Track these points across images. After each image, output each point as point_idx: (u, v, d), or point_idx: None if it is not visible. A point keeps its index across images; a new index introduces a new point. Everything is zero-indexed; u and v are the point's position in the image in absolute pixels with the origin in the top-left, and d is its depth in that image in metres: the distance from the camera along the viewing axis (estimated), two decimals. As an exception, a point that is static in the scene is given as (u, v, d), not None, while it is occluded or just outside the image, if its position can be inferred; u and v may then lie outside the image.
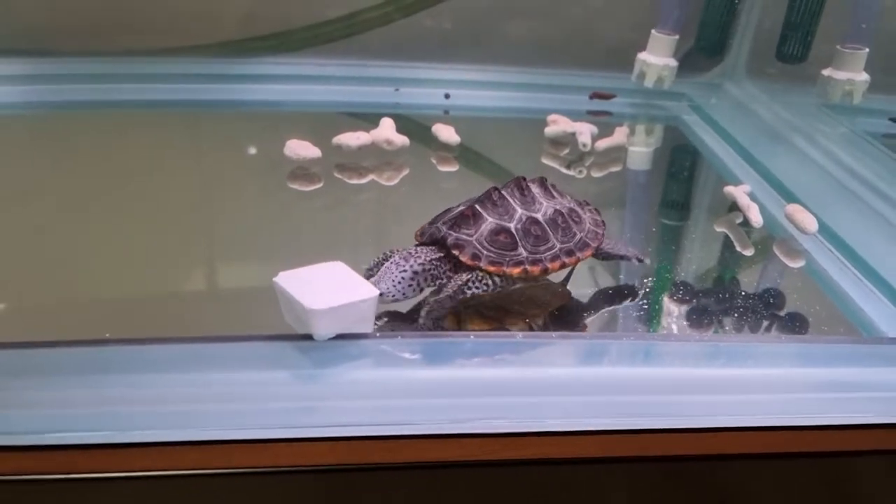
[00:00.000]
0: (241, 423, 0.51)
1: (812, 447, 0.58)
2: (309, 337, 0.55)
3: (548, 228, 0.64)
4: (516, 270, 0.62)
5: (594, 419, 0.54)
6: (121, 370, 0.54)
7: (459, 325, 0.64)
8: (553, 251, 0.64)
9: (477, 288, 0.62)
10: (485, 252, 0.61)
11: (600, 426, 0.54)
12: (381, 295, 0.58)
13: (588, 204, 0.72)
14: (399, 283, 0.60)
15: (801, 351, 0.64)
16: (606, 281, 0.74)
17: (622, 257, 0.72)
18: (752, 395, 0.59)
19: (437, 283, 0.62)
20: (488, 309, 0.65)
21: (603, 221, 0.70)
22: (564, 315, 0.67)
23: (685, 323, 0.68)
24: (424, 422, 0.53)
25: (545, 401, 0.56)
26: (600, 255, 0.70)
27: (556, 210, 0.66)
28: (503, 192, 0.64)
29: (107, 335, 0.57)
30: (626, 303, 0.71)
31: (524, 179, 0.66)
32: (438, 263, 0.62)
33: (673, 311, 0.70)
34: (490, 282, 0.63)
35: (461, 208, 0.64)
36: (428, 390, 0.55)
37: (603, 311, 0.69)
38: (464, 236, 0.62)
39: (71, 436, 0.49)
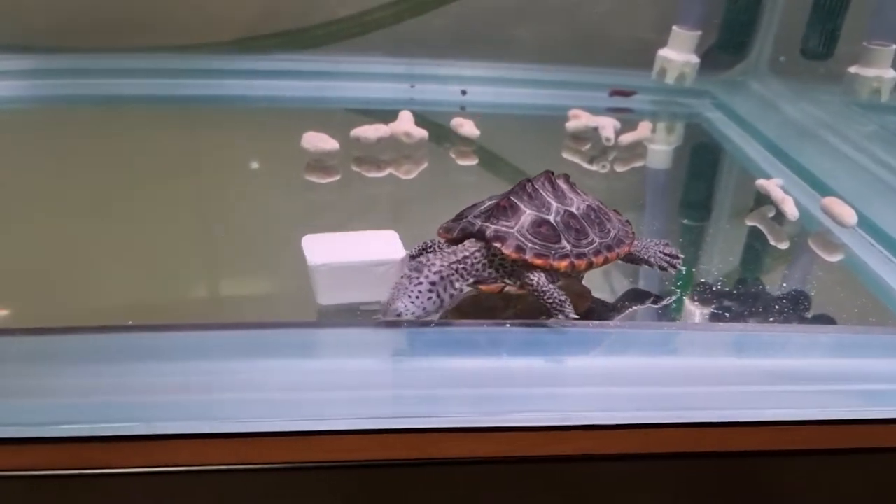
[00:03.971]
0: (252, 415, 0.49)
1: (857, 443, 0.56)
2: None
3: (585, 223, 0.61)
4: (563, 264, 0.58)
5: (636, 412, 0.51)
6: (141, 357, 0.52)
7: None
8: (594, 245, 0.60)
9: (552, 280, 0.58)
10: (529, 244, 0.57)
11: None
12: (398, 315, 0.54)
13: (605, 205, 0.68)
14: (417, 297, 0.54)
15: (849, 341, 0.61)
16: (635, 279, 0.71)
17: (649, 264, 0.67)
18: (797, 385, 0.56)
19: (465, 285, 0.57)
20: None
21: (628, 220, 0.67)
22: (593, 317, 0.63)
23: (723, 316, 0.66)
24: (455, 414, 0.51)
25: (580, 392, 0.54)
26: (631, 258, 0.67)
27: (588, 206, 0.63)
28: (535, 184, 0.61)
29: (129, 322, 0.55)
30: (656, 300, 0.67)
31: (552, 173, 0.63)
32: (461, 265, 0.57)
33: (709, 306, 0.67)
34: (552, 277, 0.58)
35: (493, 201, 0.60)
36: (460, 380, 0.53)
37: (635, 308, 0.66)
38: (503, 228, 0.58)
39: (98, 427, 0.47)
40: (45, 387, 0.49)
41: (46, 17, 1.12)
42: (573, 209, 0.61)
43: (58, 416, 0.47)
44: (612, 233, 0.63)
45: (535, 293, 0.57)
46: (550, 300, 0.57)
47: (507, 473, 0.51)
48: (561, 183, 0.63)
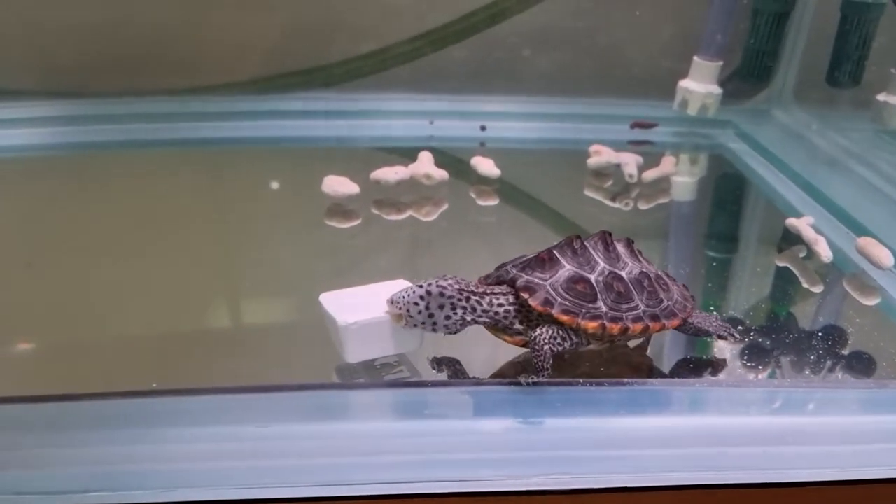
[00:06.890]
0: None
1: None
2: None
3: (632, 287, 0.57)
4: (592, 325, 0.54)
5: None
6: (164, 423, 0.51)
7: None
8: (636, 312, 0.56)
9: (554, 346, 0.54)
10: (558, 299, 0.54)
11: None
12: (391, 303, 0.54)
13: (674, 279, 0.64)
14: (407, 295, 0.53)
15: (891, 397, 0.59)
16: (683, 344, 0.66)
17: (708, 334, 0.63)
18: (835, 446, 0.54)
19: (471, 318, 0.55)
20: None
21: (693, 296, 0.63)
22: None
23: (757, 367, 0.64)
24: (484, 478, 0.50)
25: (612, 454, 0.52)
26: (688, 329, 0.62)
27: (642, 272, 0.59)
28: (586, 243, 0.58)
29: (153, 385, 0.55)
30: (690, 350, 0.65)
31: (609, 235, 0.60)
32: (475, 297, 0.54)
33: (742, 355, 0.65)
34: (568, 337, 0.55)
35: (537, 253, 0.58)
36: (486, 443, 0.52)
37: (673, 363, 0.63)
38: (536, 279, 0.55)
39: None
40: (66, 455, 0.49)
41: (67, 61, 1.14)
42: (622, 272, 0.57)
43: (79, 485, 0.47)
44: (665, 304, 0.58)
45: (532, 345, 0.54)
46: (538, 358, 0.53)
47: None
48: (620, 246, 0.60)
